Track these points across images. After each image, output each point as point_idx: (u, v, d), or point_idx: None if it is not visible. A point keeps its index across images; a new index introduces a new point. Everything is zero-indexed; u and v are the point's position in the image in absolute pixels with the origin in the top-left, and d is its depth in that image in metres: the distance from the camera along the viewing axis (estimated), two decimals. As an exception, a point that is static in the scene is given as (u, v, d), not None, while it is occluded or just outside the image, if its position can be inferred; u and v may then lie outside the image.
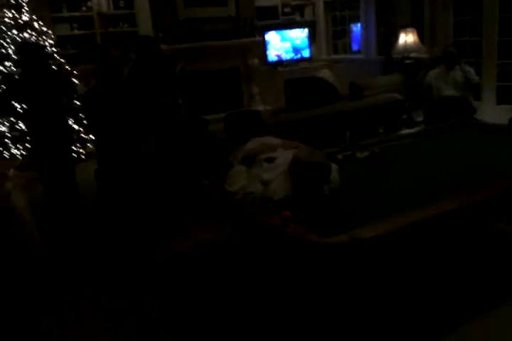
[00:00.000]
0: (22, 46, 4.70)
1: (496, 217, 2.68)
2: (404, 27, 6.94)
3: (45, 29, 6.28)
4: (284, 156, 2.49)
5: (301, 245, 2.04)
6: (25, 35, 6.03)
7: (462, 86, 5.20)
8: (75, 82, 5.07)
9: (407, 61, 6.49)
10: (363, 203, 2.48)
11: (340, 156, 3.14)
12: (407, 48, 6.49)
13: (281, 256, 2.30)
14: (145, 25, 7.58)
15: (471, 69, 5.23)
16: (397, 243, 2.13)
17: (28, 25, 6.09)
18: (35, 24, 6.16)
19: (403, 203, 2.39)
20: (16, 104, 4.40)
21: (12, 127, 5.95)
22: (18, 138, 5.97)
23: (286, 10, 8.90)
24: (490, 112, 6.26)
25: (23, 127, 5.88)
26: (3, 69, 5.95)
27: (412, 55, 6.57)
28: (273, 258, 2.43)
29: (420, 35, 6.78)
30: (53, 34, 6.60)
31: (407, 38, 6.49)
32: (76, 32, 7.58)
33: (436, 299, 2.68)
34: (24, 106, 4.16)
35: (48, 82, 3.99)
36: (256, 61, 8.03)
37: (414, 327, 2.47)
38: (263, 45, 8.47)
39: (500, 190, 2.45)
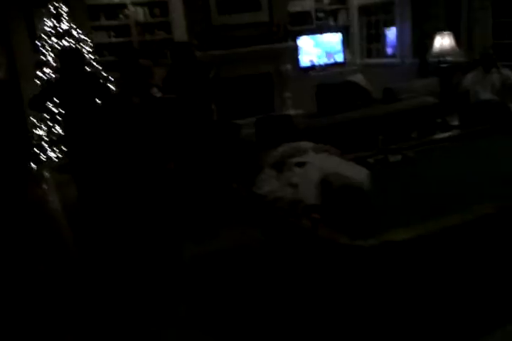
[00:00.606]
0: (61, 51, 4.85)
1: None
2: (440, 30, 6.83)
3: (83, 37, 6.47)
4: (314, 161, 2.49)
5: (332, 248, 2.03)
6: (64, 42, 6.22)
7: (500, 89, 5.07)
8: (109, 87, 5.19)
9: (443, 65, 6.38)
10: (395, 207, 2.45)
11: (371, 160, 3.11)
12: (442, 52, 6.38)
13: (311, 259, 2.29)
14: (180, 32, 7.71)
15: (509, 73, 5.11)
16: (428, 247, 2.09)
17: (67, 33, 6.29)
18: (74, 32, 6.36)
19: (435, 208, 2.35)
20: (53, 108, 4.55)
21: (49, 130, 6.16)
22: (54, 141, 6.16)
23: (320, 15, 8.88)
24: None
25: (60, 131, 6.09)
26: (43, 76, 6.16)
27: (448, 58, 6.45)
28: (303, 261, 2.42)
29: (457, 38, 6.66)
30: (91, 42, 6.79)
31: (443, 41, 6.38)
32: (113, 39, 7.77)
33: (462, 306, 2.61)
34: (61, 110, 4.29)
35: (84, 86, 4.10)
36: (288, 66, 8.05)
37: (439, 332, 2.41)
38: (296, 50, 8.48)
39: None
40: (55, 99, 4.33)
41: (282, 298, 2.80)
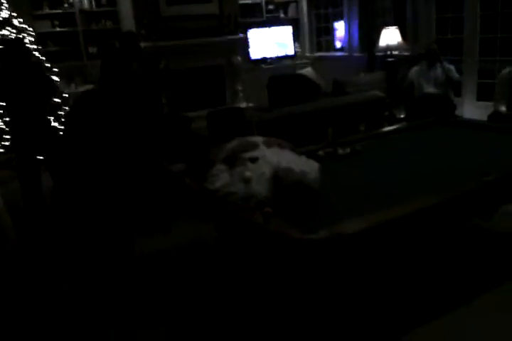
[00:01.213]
0: (2, 42, 4.62)
1: (473, 213, 2.73)
2: (386, 25, 7.00)
3: (25, 26, 6.19)
4: (266, 155, 2.51)
5: (283, 241, 2.05)
6: (5, 32, 5.94)
7: (443, 83, 5.26)
8: (54, 80, 5.01)
9: (390, 59, 6.54)
10: (345, 199, 2.50)
11: (321, 153, 3.16)
12: (389, 46, 6.55)
13: (263, 253, 2.31)
14: (128, 22, 7.53)
15: (451, 67, 5.30)
16: (378, 238, 2.16)
17: (7, 22, 6.00)
18: (15, 21, 6.08)
19: (384, 199, 2.42)
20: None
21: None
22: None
23: (270, 7, 8.90)
24: (470, 108, 6.35)
25: (1, 125, 5.82)
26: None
27: (395, 52, 6.62)
28: (256, 254, 2.44)
29: (403, 33, 6.84)
30: (34, 31, 6.52)
31: (389, 36, 6.54)
32: (57, 29, 7.50)
33: (415, 292, 2.72)
34: (3, 103, 4.11)
35: (27, 78, 3.94)
36: (239, 58, 8.04)
37: (391, 320, 2.50)
38: (246, 43, 8.47)
39: (476, 186, 2.49)
40: None
41: (236, 292, 2.83)
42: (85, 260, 3.12)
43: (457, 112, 5.44)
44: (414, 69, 5.43)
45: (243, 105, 7.48)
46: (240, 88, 8.02)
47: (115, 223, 2.60)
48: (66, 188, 2.61)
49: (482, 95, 6.37)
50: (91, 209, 2.57)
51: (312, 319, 2.35)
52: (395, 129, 3.90)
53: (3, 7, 5.99)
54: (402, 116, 5.67)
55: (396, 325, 2.47)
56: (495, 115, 4.60)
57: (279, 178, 2.38)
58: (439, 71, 5.29)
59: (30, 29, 6.33)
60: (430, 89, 5.26)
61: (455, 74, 5.27)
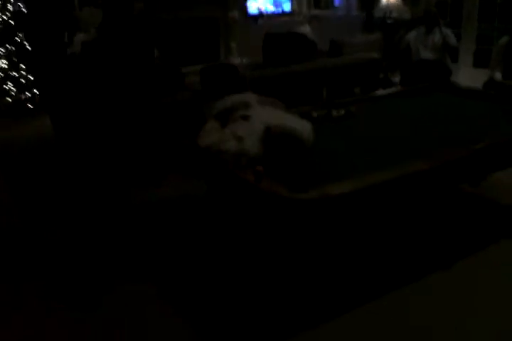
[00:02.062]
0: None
1: (462, 179, 2.77)
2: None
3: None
4: (259, 114, 2.49)
5: (273, 200, 2.08)
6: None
7: (440, 48, 5.19)
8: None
9: (388, 20, 6.42)
10: (335, 161, 2.52)
11: (315, 114, 3.15)
12: (389, 7, 6.41)
13: (252, 210, 2.34)
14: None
15: (450, 33, 5.21)
16: (366, 201, 2.19)
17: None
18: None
19: (374, 162, 2.43)
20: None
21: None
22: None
23: (269, -41, 8.58)
24: (466, 75, 6.30)
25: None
26: None
27: (394, 14, 6.49)
28: (245, 211, 2.47)
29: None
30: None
31: (389, -3, 6.40)
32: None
33: (400, 254, 2.80)
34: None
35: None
36: (236, 12, 7.81)
37: (375, 281, 2.58)
38: (244, -4, 8.20)
39: (466, 153, 2.51)
40: None
41: (224, 248, 2.88)
42: (81, 206, 3.13)
43: (453, 78, 5.39)
44: (412, 33, 5.33)
45: (237, 61, 7.32)
46: (234, 43, 7.84)
47: (112, 171, 2.59)
48: (67, 135, 2.58)
49: (479, 62, 6.33)
50: (91, 154, 2.55)
51: (298, 277, 2.41)
52: (389, 93, 3.88)
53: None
54: (397, 79, 5.62)
55: (381, 285, 2.55)
56: (490, 83, 4.58)
57: (270, 133, 2.37)
58: (436, 36, 5.20)
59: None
60: (427, 54, 5.19)
61: (452, 40, 5.20)
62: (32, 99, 5.98)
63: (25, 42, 5.38)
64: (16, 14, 4.68)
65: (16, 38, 5.48)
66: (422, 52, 5.21)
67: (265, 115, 2.51)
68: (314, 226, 2.11)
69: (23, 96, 5.91)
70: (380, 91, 4.05)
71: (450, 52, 5.32)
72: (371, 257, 2.75)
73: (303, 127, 2.50)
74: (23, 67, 5.84)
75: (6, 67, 5.76)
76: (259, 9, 8.50)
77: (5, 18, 5.68)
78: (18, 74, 5.81)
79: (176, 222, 3.24)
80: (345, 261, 2.62)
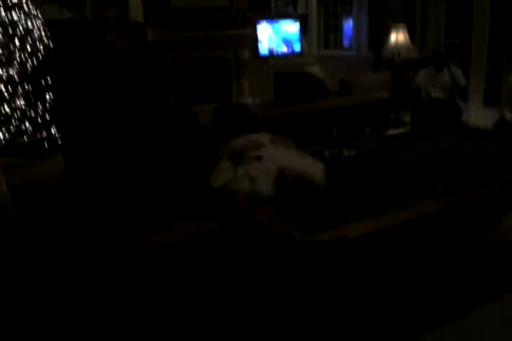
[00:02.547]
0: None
1: (476, 221, 2.74)
2: (395, 26, 6.98)
3: (33, 11, 6.15)
4: (272, 154, 2.51)
5: (286, 242, 2.06)
6: (14, 16, 5.90)
7: (449, 88, 5.25)
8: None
9: (397, 60, 6.52)
10: (349, 202, 2.51)
11: (326, 154, 3.16)
12: (397, 47, 6.52)
13: (266, 252, 2.32)
14: (136, 10, 7.48)
15: (459, 72, 5.28)
16: (381, 243, 2.16)
17: (17, 6, 5.96)
18: (24, 5, 6.03)
19: (387, 203, 2.42)
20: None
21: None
22: (1, 121, 5.87)
23: (279, 2, 8.87)
24: (477, 114, 6.33)
25: (7, 109, 5.80)
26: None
27: (402, 53, 6.60)
28: (258, 253, 2.45)
29: (411, 35, 6.82)
30: (42, 17, 6.48)
31: (398, 37, 6.52)
32: (65, 14, 7.45)
33: (416, 298, 2.74)
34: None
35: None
36: (247, 53, 8.01)
37: (394, 325, 2.51)
38: (255, 37, 8.43)
39: (481, 194, 2.49)
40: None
41: (237, 290, 2.83)
42: (93, 251, 3.10)
43: (463, 117, 5.43)
44: (421, 73, 5.41)
45: (249, 100, 7.45)
46: (246, 83, 8.00)
47: (124, 214, 2.58)
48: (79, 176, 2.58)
49: (489, 100, 6.37)
50: (102, 199, 2.55)
51: (312, 319, 2.36)
52: (400, 133, 3.89)
53: (13, -10, 5.94)
54: (407, 119, 5.67)
55: (395, 331, 2.48)
56: (501, 122, 4.60)
57: (283, 176, 2.38)
58: (446, 76, 5.28)
59: (39, 15, 6.28)
60: (437, 94, 5.25)
61: (462, 80, 5.26)
62: (48, 139, 6.05)
63: (44, 81, 5.48)
64: (47, 55, 4.78)
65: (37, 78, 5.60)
66: (432, 92, 5.28)
67: (278, 155, 2.53)
68: (329, 269, 2.08)
69: (39, 136, 5.99)
70: (391, 131, 4.07)
71: (460, 92, 5.38)
72: (382, 301, 2.69)
73: (316, 169, 2.50)
74: (41, 107, 5.94)
75: (23, 106, 5.87)
76: (269, 49, 8.72)
77: (23, 57, 5.86)
78: (35, 113, 5.91)
79: (188, 268, 3.20)
80: (356, 304, 2.56)
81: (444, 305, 2.68)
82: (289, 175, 2.38)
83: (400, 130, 4.20)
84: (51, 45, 6.16)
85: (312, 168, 2.51)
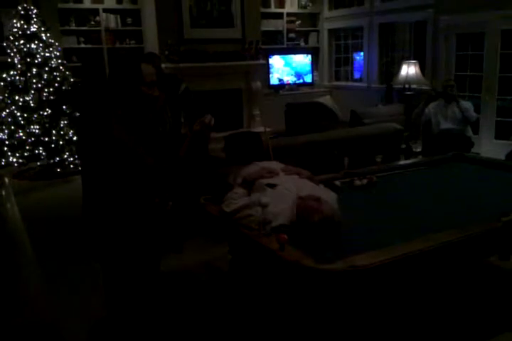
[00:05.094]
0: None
1: (490, 252, 2.69)
2: (406, 58, 7.07)
3: (52, 41, 6.33)
4: (285, 183, 2.51)
5: (297, 270, 2.03)
6: (33, 45, 6.08)
7: (460, 120, 5.24)
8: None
9: (408, 92, 6.58)
10: (361, 231, 2.48)
11: (338, 183, 3.15)
12: (408, 79, 6.59)
13: (276, 279, 2.29)
14: (151, 42, 7.68)
15: (469, 106, 5.25)
16: (392, 273, 2.12)
17: (35, 36, 6.14)
18: (43, 35, 6.22)
19: (400, 233, 2.39)
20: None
21: (11, 135, 5.96)
22: (16, 146, 5.96)
23: (291, 35, 9.06)
24: (488, 146, 6.33)
25: (22, 135, 5.90)
26: (8, 78, 6.00)
27: (413, 86, 6.66)
28: (269, 280, 2.41)
29: (422, 66, 6.90)
30: (60, 46, 6.67)
31: (409, 70, 6.59)
32: (82, 45, 7.67)
33: (428, 329, 2.67)
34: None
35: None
36: (258, 83, 8.14)
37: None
38: (267, 69, 8.59)
39: (495, 226, 2.45)
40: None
41: (246, 316, 2.78)
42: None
43: (474, 150, 5.41)
44: (432, 105, 5.43)
45: (260, 129, 7.51)
46: (257, 112, 8.09)
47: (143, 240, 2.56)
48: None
49: (500, 133, 6.37)
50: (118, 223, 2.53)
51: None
52: (412, 163, 3.89)
53: (32, 21, 6.14)
54: (419, 149, 5.66)
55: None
56: (512, 154, 4.59)
57: (306, 212, 2.33)
58: (456, 108, 5.27)
59: (57, 44, 6.46)
60: (448, 126, 5.24)
61: (472, 114, 5.23)
62: (60, 164, 6.11)
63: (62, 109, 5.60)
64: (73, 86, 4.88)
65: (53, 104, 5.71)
66: (442, 124, 5.27)
67: (291, 184, 2.53)
68: (339, 298, 2.04)
69: (52, 161, 6.06)
70: (403, 161, 4.06)
71: (471, 124, 5.37)
72: (392, 333, 2.62)
73: (329, 197, 2.49)
74: (54, 132, 6.03)
75: (38, 131, 5.97)
76: (280, 80, 8.85)
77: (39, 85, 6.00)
78: (49, 139, 5.99)
79: (196, 294, 3.15)
80: (364, 335, 2.49)
81: (456, 337, 2.60)
82: (310, 212, 2.32)
83: (412, 160, 4.19)
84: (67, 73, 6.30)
85: (325, 197, 2.49)
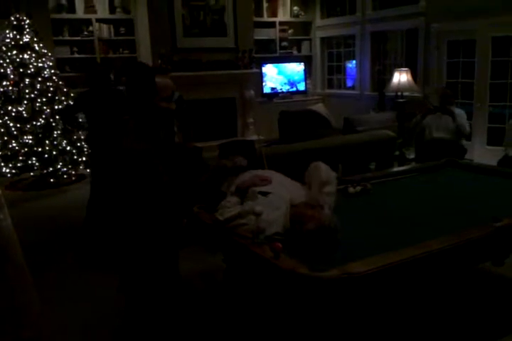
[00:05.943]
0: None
1: (484, 257, 2.69)
2: (398, 66, 7.11)
3: (45, 51, 6.33)
4: (278, 191, 2.50)
5: (292, 278, 2.02)
6: (25, 56, 6.08)
7: (453, 131, 5.22)
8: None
9: (400, 99, 6.62)
10: (355, 238, 2.47)
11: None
12: (400, 87, 6.62)
13: (271, 288, 2.28)
14: (145, 51, 7.70)
15: (464, 122, 5.19)
16: (387, 280, 2.12)
17: (28, 46, 6.14)
18: (36, 45, 6.22)
19: (394, 240, 2.39)
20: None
21: (4, 145, 5.93)
22: (9, 156, 5.93)
23: (284, 44, 9.11)
24: (480, 153, 6.37)
25: (15, 145, 5.87)
26: (0, 88, 5.99)
27: (405, 93, 6.70)
28: (263, 289, 2.40)
29: (414, 74, 6.94)
30: (53, 56, 6.67)
31: (401, 77, 6.63)
32: (76, 55, 7.68)
33: (423, 335, 2.66)
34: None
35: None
36: (252, 92, 8.17)
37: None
38: (260, 77, 8.62)
39: (488, 231, 2.46)
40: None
41: (241, 325, 2.76)
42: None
43: (467, 156, 5.43)
44: (429, 116, 5.40)
45: (254, 138, 7.54)
46: (251, 121, 8.11)
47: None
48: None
49: (492, 140, 6.41)
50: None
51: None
52: (405, 170, 3.90)
53: (25, 32, 6.14)
54: (412, 156, 5.68)
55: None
56: (505, 160, 4.61)
57: (301, 220, 2.33)
58: (450, 119, 5.24)
59: (50, 54, 6.46)
60: (440, 135, 5.24)
61: (466, 129, 5.20)
62: (53, 174, 6.09)
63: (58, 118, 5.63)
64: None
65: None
66: (435, 133, 5.26)
67: (284, 192, 2.53)
68: (336, 305, 2.03)
69: (45, 171, 6.03)
70: (396, 168, 4.07)
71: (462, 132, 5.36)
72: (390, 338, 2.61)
73: (326, 204, 2.49)
74: (48, 142, 6.01)
75: (31, 142, 5.94)
76: (274, 89, 8.89)
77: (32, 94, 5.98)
78: (42, 149, 5.97)
79: (190, 302, 3.12)
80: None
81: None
82: (306, 221, 2.32)
83: (405, 167, 4.20)
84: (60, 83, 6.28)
85: (321, 202, 2.49)
